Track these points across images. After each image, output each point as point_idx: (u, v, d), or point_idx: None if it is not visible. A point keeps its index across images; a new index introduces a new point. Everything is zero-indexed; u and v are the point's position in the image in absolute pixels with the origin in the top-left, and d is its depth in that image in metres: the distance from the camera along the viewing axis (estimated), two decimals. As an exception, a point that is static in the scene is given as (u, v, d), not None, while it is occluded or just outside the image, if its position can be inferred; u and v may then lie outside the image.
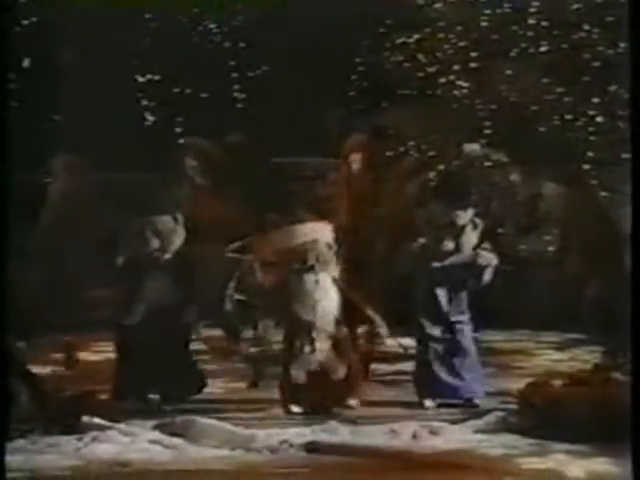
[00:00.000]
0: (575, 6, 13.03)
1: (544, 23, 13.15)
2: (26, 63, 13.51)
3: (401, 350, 10.87)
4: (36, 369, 8.37)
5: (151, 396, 8.43)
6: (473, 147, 12.79)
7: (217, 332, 11.64)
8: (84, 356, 8.36)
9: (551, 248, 10.71)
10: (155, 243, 8.36)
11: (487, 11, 13.28)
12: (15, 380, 7.90)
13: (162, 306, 8.27)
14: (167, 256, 8.42)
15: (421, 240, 8.74)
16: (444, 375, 8.74)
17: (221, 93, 13.83)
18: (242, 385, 9.63)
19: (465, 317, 8.83)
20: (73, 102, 13.11)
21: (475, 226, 8.65)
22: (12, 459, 7.21)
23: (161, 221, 8.39)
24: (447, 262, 8.64)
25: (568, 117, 12.80)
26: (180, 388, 8.43)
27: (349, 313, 8.45)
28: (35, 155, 11.54)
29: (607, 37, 12.92)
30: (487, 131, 12.84)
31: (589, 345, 10.85)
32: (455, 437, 7.80)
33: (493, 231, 9.37)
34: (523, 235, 12.07)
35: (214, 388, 9.73)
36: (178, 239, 8.46)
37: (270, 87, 13.42)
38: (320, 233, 8.36)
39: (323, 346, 8.29)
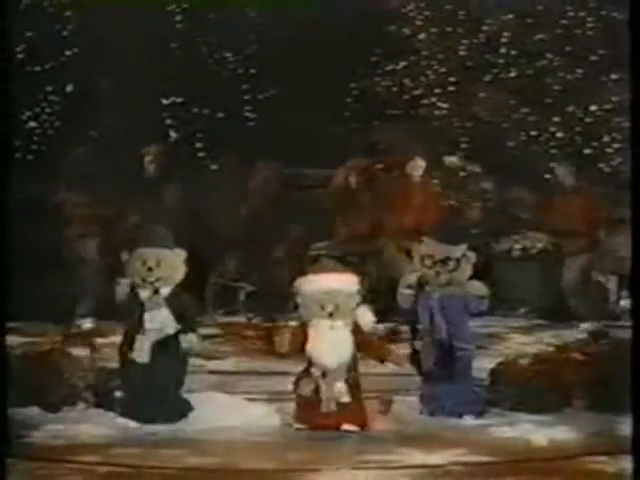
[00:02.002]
0: (539, 37, 13.00)
1: (513, 52, 13.13)
2: (69, 88, 13.49)
3: (392, 336, 10.84)
4: (75, 350, 8.29)
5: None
6: (452, 159, 12.76)
7: (231, 319, 11.72)
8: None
9: (518, 246, 10.63)
10: (157, 274, 7.50)
11: (464, 41, 13.25)
12: (55, 361, 7.87)
13: (162, 338, 7.51)
14: (167, 289, 7.56)
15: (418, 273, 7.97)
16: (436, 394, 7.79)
17: (235, 113, 13.82)
18: (251, 364, 9.59)
19: (467, 344, 7.87)
20: (108, 121, 13.10)
21: (468, 260, 7.92)
22: (55, 428, 7.17)
23: (163, 254, 7.52)
24: (446, 292, 7.83)
25: (533, 133, 12.78)
26: (168, 415, 7.47)
27: (365, 353, 7.61)
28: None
29: (567, 64, 12.90)
30: (463, 145, 12.81)
31: (552, 330, 10.82)
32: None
33: (468, 231, 9.19)
34: (494, 235, 12.04)
35: (227, 366, 9.71)
36: (179, 273, 7.60)
37: (277, 108, 13.41)
38: (344, 284, 7.59)
39: (333, 386, 7.39)
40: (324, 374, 7.37)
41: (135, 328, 7.45)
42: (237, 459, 6.57)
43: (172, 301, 7.48)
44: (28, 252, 11.37)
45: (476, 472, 6.29)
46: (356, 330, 7.52)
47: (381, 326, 10.12)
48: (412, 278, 7.95)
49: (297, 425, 7.38)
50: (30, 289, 11.10)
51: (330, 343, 7.41)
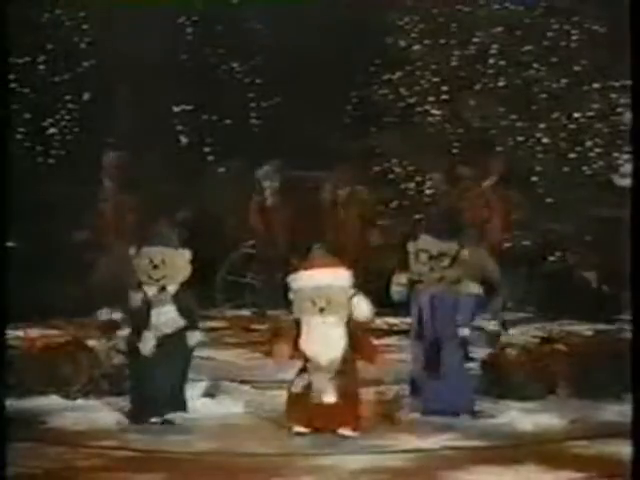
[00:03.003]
0: (527, 48, 13.00)
1: (502, 63, 13.12)
2: (86, 97, 13.51)
3: (386, 327, 10.86)
4: (92, 342, 8.31)
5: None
6: (464, 170, 12.66)
7: (239, 312, 11.74)
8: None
9: (508, 245, 10.59)
10: (162, 272, 7.36)
11: (456, 52, 13.25)
12: (73, 352, 7.90)
13: (168, 334, 7.35)
14: (173, 287, 7.43)
15: (412, 270, 7.63)
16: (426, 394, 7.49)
17: (241, 120, 13.87)
18: (258, 355, 9.59)
19: (456, 343, 7.49)
20: (123, 128, 13.14)
21: (462, 257, 7.54)
22: (72, 415, 7.20)
23: (168, 252, 7.40)
24: (436, 291, 7.50)
25: (520, 139, 12.78)
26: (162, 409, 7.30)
27: (355, 351, 7.12)
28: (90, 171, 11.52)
29: (552, 74, 12.90)
30: (455, 150, 12.82)
31: (537, 323, 10.82)
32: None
33: (460, 230, 9.11)
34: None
35: (236, 358, 9.72)
36: (183, 272, 7.47)
37: (281, 115, 13.44)
38: (335, 279, 7.14)
39: (324, 382, 6.98)
40: (317, 368, 6.96)
41: (142, 324, 7.32)
42: (241, 444, 6.59)
43: (178, 299, 7.37)
44: (47, 250, 11.44)
45: (466, 456, 6.30)
46: (350, 326, 7.08)
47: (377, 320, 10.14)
48: (402, 277, 7.69)
49: (290, 424, 6.96)
50: (50, 285, 11.16)
51: (322, 339, 6.99)
